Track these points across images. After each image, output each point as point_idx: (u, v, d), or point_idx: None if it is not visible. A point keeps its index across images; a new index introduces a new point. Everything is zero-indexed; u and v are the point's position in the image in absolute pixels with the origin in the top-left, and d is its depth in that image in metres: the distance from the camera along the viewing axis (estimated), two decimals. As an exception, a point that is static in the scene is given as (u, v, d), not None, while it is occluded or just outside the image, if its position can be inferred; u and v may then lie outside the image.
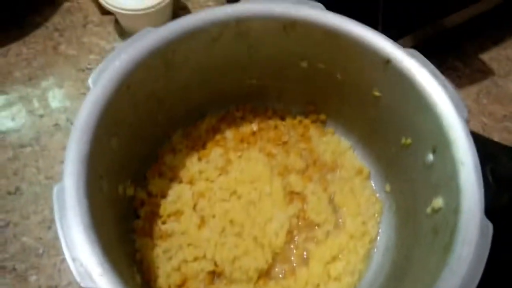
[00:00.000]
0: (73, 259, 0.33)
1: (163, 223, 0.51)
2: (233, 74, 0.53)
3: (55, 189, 0.36)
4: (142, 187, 0.52)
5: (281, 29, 0.46)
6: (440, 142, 0.40)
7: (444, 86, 0.41)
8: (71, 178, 0.36)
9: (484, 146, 0.40)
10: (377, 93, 0.48)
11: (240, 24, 0.46)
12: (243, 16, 0.46)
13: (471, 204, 0.35)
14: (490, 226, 0.34)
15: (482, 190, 0.36)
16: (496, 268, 0.34)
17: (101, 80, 0.41)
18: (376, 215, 0.53)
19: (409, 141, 0.46)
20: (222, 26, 0.46)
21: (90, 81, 0.40)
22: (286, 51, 0.49)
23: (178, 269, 0.48)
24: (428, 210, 0.42)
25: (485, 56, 0.69)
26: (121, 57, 0.42)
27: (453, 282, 0.32)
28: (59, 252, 0.53)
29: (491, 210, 0.36)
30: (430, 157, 0.42)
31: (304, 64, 0.51)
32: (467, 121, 0.39)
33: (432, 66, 0.42)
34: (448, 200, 0.38)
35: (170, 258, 0.49)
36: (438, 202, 0.40)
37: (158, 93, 0.49)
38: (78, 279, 0.32)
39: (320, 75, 0.51)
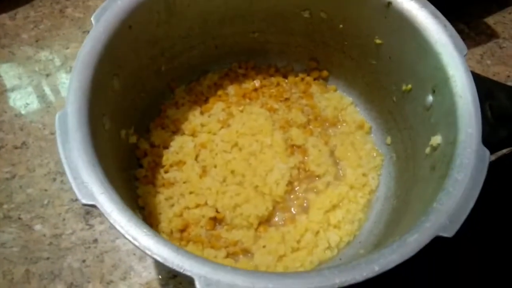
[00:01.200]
0: (75, 178, 0.33)
1: (166, 172, 0.52)
2: (234, 25, 0.53)
3: (57, 115, 0.36)
4: (145, 139, 0.53)
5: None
6: (440, 80, 0.40)
7: (444, 26, 0.41)
8: (74, 106, 0.37)
9: (483, 84, 0.40)
10: (378, 41, 0.48)
11: None
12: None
13: (468, 133, 0.36)
14: (487, 152, 0.34)
15: (480, 120, 0.36)
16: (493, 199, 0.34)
17: (104, 18, 0.41)
18: (377, 167, 0.53)
19: (409, 86, 0.46)
20: None
21: (93, 18, 0.41)
22: (288, 0, 0.50)
23: (180, 215, 0.49)
24: (427, 150, 0.42)
25: (490, 20, 0.69)
26: (122, -3, 0.43)
27: (448, 203, 0.33)
28: (63, 202, 0.54)
29: (490, 144, 0.36)
30: (430, 98, 0.42)
31: (306, 14, 0.51)
32: (465, 58, 0.40)
33: (432, 7, 0.43)
34: (446, 135, 0.38)
35: (172, 205, 0.49)
36: (437, 139, 0.40)
37: (160, 41, 0.49)
38: (79, 196, 0.33)
39: (322, 26, 0.52)
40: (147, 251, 0.31)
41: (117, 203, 0.33)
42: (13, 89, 0.62)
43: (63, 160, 0.34)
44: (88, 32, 0.42)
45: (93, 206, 0.33)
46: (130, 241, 0.32)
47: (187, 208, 0.49)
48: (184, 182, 0.51)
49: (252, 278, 0.30)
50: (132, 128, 0.50)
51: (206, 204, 0.49)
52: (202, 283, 0.30)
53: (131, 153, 0.51)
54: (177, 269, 0.30)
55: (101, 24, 0.41)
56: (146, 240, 0.32)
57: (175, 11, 0.47)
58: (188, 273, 0.30)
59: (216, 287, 0.30)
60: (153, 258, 0.31)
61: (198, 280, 0.30)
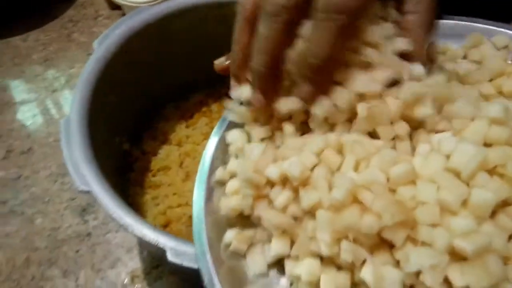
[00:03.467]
0: (75, 170, 0.41)
1: (153, 175, 0.59)
2: (217, 55, 0.62)
3: (62, 121, 0.44)
4: (136, 146, 0.61)
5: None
6: None
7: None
8: (76, 113, 0.45)
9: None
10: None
11: (223, 7, 0.56)
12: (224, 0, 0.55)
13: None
14: None
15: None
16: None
17: (104, 44, 0.50)
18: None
19: None
20: (207, 8, 0.56)
21: (95, 43, 0.50)
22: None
23: (164, 213, 0.56)
24: None
25: None
26: (121, 27, 0.52)
27: None
28: (62, 200, 0.61)
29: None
30: None
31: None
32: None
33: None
34: None
35: (157, 204, 0.57)
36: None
37: (152, 65, 0.58)
38: (77, 183, 0.40)
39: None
40: (129, 228, 0.39)
41: (108, 191, 0.41)
42: (22, 102, 0.70)
43: (66, 156, 0.42)
44: (91, 54, 0.50)
45: (88, 192, 0.41)
46: (116, 221, 0.39)
47: (170, 207, 0.57)
48: (168, 185, 0.58)
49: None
50: (125, 137, 0.58)
51: (187, 204, 0.57)
52: (172, 253, 0.37)
53: (123, 158, 0.59)
54: (153, 242, 0.38)
55: (102, 48, 0.50)
56: (130, 220, 0.39)
57: (165, 39, 0.56)
58: (161, 246, 0.37)
59: (183, 257, 0.37)
60: (134, 234, 0.39)
61: (169, 251, 0.37)
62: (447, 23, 0.41)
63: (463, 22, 0.41)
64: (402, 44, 0.32)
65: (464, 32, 0.39)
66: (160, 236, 0.38)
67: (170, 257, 0.37)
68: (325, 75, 0.31)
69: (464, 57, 0.38)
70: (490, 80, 0.34)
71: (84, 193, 0.41)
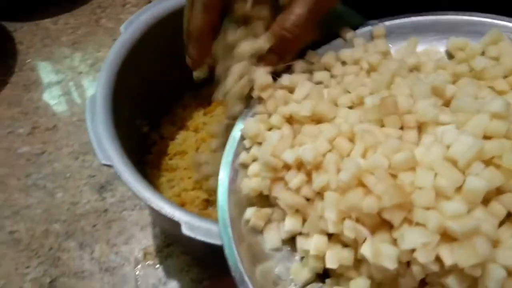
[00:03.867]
0: (98, 144, 0.44)
1: (170, 159, 0.62)
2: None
3: (88, 98, 0.47)
4: (155, 131, 0.63)
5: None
6: None
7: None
8: (101, 92, 0.48)
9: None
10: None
11: None
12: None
13: None
14: None
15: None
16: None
17: (130, 29, 0.53)
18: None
19: None
20: None
21: (122, 27, 0.52)
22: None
23: (179, 195, 0.59)
24: None
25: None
26: (147, 13, 0.54)
27: None
28: (82, 177, 0.64)
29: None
30: None
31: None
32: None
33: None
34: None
35: (172, 187, 0.59)
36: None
37: (173, 53, 0.60)
38: (100, 157, 0.43)
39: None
40: (147, 201, 0.41)
41: (128, 166, 0.43)
42: (49, 82, 0.74)
43: (90, 131, 0.45)
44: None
45: (110, 166, 0.43)
46: (135, 194, 0.42)
47: (185, 190, 0.59)
48: (184, 169, 0.61)
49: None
50: (146, 120, 0.60)
51: (201, 188, 0.59)
52: (186, 227, 0.39)
53: (142, 140, 0.61)
54: (169, 215, 0.40)
55: (127, 33, 0.52)
56: (148, 194, 0.42)
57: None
58: (177, 219, 0.40)
59: (197, 231, 0.39)
60: (151, 207, 0.41)
61: (183, 224, 0.39)
62: (468, 19, 0.42)
63: (484, 19, 0.42)
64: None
65: (485, 29, 0.40)
66: (176, 211, 0.40)
67: (185, 230, 0.39)
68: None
69: (483, 53, 0.39)
70: (506, 77, 0.36)
71: (107, 167, 0.43)
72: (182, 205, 0.58)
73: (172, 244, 0.58)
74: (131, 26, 0.53)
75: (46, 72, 0.75)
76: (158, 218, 0.53)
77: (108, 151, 0.44)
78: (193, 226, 0.39)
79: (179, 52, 0.62)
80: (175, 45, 0.59)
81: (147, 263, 0.57)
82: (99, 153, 0.43)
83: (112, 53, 0.51)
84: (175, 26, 0.57)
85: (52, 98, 0.72)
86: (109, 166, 0.43)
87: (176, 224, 0.40)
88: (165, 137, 0.64)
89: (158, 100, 0.63)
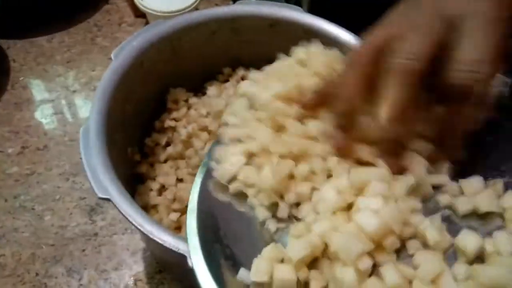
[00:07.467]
0: (93, 176, 0.42)
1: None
2: (228, 64, 0.63)
3: (82, 129, 0.45)
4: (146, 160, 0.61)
5: (267, 26, 0.57)
6: None
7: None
8: (94, 122, 0.46)
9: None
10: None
11: (235, 21, 0.58)
12: (236, 14, 0.57)
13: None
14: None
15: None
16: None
17: (121, 55, 0.52)
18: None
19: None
20: (219, 22, 0.57)
21: (112, 55, 0.51)
22: (272, 46, 0.59)
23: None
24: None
25: None
26: (138, 39, 0.53)
27: None
28: (72, 199, 0.62)
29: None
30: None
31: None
32: None
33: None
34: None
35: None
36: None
37: (165, 77, 0.59)
38: (96, 191, 0.41)
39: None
40: (150, 235, 0.39)
41: (126, 197, 0.42)
42: (42, 101, 0.72)
43: (85, 163, 0.43)
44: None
45: (107, 199, 0.41)
46: (136, 227, 0.40)
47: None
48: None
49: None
50: (136, 147, 0.58)
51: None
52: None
53: (133, 169, 0.59)
54: (174, 249, 0.38)
55: (118, 60, 0.51)
56: (150, 226, 0.40)
57: (179, 52, 0.57)
58: (182, 252, 0.37)
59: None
60: (155, 240, 0.39)
61: (189, 258, 0.37)
62: None
63: None
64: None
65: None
66: (181, 243, 0.38)
67: (191, 263, 0.36)
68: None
69: None
70: None
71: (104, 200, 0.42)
72: (178, 228, 0.56)
73: (164, 271, 0.56)
74: (121, 53, 0.52)
75: (38, 90, 0.73)
76: (151, 244, 0.51)
77: (104, 183, 0.42)
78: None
79: (171, 76, 0.61)
80: (166, 69, 0.58)
81: (137, 290, 0.54)
82: (95, 186, 0.41)
83: (103, 81, 0.50)
84: (166, 50, 0.56)
85: (44, 117, 0.70)
86: (107, 199, 0.41)
87: (177, 254, 0.38)
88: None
89: (149, 127, 0.61)
